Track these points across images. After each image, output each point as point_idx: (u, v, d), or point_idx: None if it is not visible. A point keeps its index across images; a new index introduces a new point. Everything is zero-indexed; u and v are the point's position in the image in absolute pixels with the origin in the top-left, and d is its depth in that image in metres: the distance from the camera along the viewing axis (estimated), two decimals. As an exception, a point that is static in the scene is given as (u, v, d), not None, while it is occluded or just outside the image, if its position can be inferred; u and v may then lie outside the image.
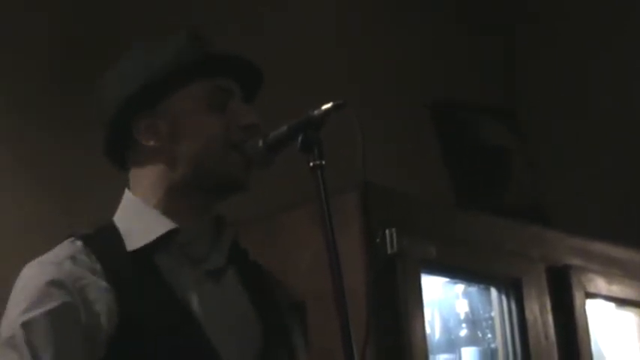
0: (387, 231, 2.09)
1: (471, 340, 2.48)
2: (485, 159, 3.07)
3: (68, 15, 2.37)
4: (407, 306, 2.10)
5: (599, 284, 2.60)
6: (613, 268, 2.67)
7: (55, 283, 1.25)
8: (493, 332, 2.46)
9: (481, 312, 2.51)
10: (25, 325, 1.22)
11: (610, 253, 2.70)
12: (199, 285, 1.33)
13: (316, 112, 1.30)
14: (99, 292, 1.25)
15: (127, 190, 1.41)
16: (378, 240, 2.08)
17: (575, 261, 2.59)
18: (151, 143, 1.36)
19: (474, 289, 2.51)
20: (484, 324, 2.50)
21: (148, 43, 1.42)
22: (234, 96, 1.40)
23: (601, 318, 2.71)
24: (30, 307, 1.23)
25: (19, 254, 1.95)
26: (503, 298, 2.45)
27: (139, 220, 1.35)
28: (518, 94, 3.43)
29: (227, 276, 1.38)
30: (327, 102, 1.30)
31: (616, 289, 2.64)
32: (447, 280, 2.45)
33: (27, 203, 2.18)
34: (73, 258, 1.29)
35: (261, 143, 1.35)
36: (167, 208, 1.36)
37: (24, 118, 2.23)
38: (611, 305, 2.73)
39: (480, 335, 2.50)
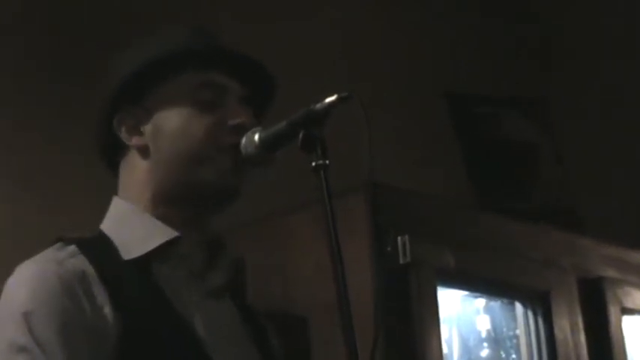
0: (398, 238, 2.12)
1: (493, 361, 2.51)
2: (509, 156, 3.08)
3: (55, 11, 2.41)
4: (421, 322, 2.12)
5: (637, 298, 2.62)
6: (653, 280, 2.69)
7: (61, 281, 1.27)
8: (518, 352, 2.49)
9: (505, 329, 2.53)
10: (32, 329, 1.23)
11: (650, 264, 2.73)
12: (201, 302, 1.36)
13: (318, 105, 1.31)
14: (102, 296, 1.27)
15: (115, 198, 1.43)
16: (388, 248, 2.10)
17: (611, 272, 2.61)
18: (133, 142, 1.39)
19: (496, 304, 2.53)
20: (508, 343, 2.52)
21: (147, 36, 1.45)
22: (228, 94, 1.42)
23: (639, 336, 2.72)
24: (34, 308, 1.24)
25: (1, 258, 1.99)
26: (530, 313, 2.47)
27: (133, 227, 1.37)
28: (544, 85, 3.44)
29: (225, 297, 1.41)
30: (331, 94, 1.32)
31: (656, 304, 2.66)
32: (467, 293, 2.47)
33: (8, 207, 2.22)
34: (73, 256, 1.31)
35: (257, 140, 1.36)
36: (155, 216, 1.38)
37: (5, 119, 2.27)
38: (651, 322, 2.75)
39: (504, 356, 2.52)
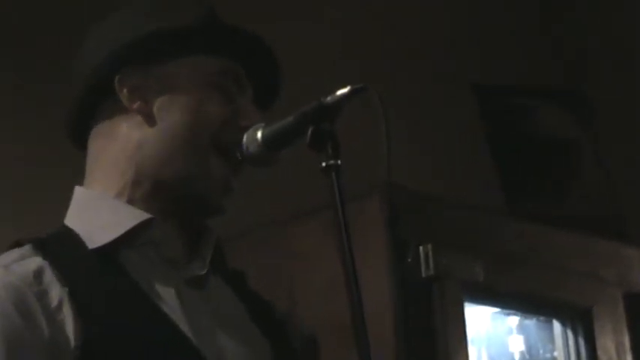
0: (420, 247, 2.12)
1: (528, 387, 2.51)
2: (545, 155, 3.08)
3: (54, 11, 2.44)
4: (447, 343, 2.12)
5: (691, 315, 2.62)
6: None
7: (7, 289, 1.26)
8: (556, 376, 2.50)
9: (541, 351, 2.53)
10: None
11: None
12: (179, 292, 1.35)
13: (329, 98, 1.31)
14: (60, 298, 1.27)
15: (77, 188, 1.43)
16: (409, 259, 2.10)
17: (661, 285, 2.61)
18: (135, 106, 1.39)
19: (531, 322, 2.53)
20: (544, 366, 2.53)
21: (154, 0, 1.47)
22: (245, 91, 1.43)
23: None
24: None
25: None
26: (569, 333, 2.48)
27: (99, 213, 1.37)
28: (586, 75, 3.43)
29: (211, 284, 1.41)
30: (344, 86, 1.31)
31: None
32: (498, 310, 2.48)
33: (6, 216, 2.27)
34: (23, 259, 1.31)
35: (259, 137, 1.37)
36: (134, 195, 1.38)
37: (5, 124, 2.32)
38: None
39: (540, 380, 2.53)
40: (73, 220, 1.40)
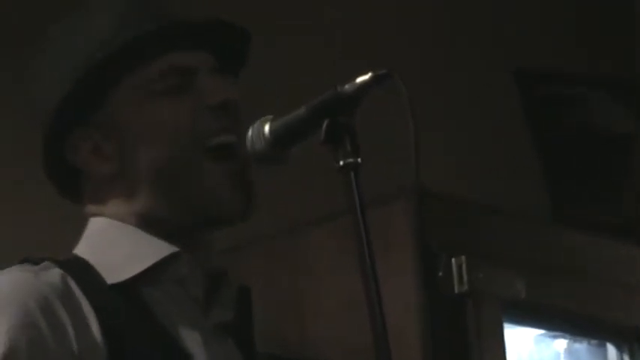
0: (452, 259, 2.11)
1: (578, 420, 2.50)
2: (596, 152, 3.07)
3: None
4: (483, 369, 2.12)
5: None
6: None
7: (37, 299, 1.27)
8: (610, 408, 2.49)
9: (593, 379, 2.52)
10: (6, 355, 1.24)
11: None
12: (205, 337, 1.37)
13: (348, 86, 1.31)
14: (89, 317, 1.29)
15: (91, 219, 1.44)
16: (440, 273, 2.10)
17: None
18: (102, 170, 1.40)
19: (582, 346, 2.52)
20: (597, 396, 2.52)
21: (81, 12, 1.45)
22: (199, 72, 1.42)
23: None
24: (9, 329, 1.25)
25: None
26: (626, 358, 2.47)
27: (118, 244, 1.38)
28: (634, 61, 3.43)
29: (228, 337, 1.42)
30: (365, 72, 1.30)
31: None
32: (542, 332, 2.47)
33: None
34: (47, 269, 1.32)
35: (267, 132, 1.36)
36: (146, 232, 1.39)
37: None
38: None
39: (592, 412, 2.52)
40: (85, 250, 1.41)
